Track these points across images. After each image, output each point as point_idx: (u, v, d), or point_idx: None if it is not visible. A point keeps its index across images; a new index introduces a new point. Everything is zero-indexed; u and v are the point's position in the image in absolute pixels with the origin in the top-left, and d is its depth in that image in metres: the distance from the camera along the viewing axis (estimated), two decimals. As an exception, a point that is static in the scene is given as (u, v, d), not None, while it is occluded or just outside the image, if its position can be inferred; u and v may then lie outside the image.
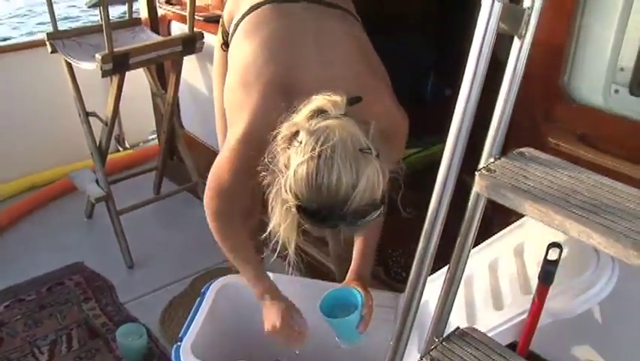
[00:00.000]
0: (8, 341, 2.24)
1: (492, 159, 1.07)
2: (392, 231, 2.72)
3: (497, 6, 0.91)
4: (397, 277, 2.50)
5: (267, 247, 1.44)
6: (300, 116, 1.22)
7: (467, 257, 1.13)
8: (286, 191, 1.20)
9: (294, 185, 1.18)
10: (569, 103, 1.46)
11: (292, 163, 1.18)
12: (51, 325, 2.32)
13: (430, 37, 3.54)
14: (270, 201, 1.28)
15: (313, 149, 1.15)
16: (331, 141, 1.15)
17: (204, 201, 1.59)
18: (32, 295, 2.47)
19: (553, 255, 1.23)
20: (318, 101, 1.22)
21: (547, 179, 1.01)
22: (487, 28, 0.91)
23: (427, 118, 3.40)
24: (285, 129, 1.22)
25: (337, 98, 1.22)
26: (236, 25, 1.62)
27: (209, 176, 1.55)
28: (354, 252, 1.72)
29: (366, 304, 1.54)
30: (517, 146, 1.44)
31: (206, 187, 1.57)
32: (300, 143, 1.18)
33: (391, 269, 2.53)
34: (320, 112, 1.21)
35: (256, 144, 1.32)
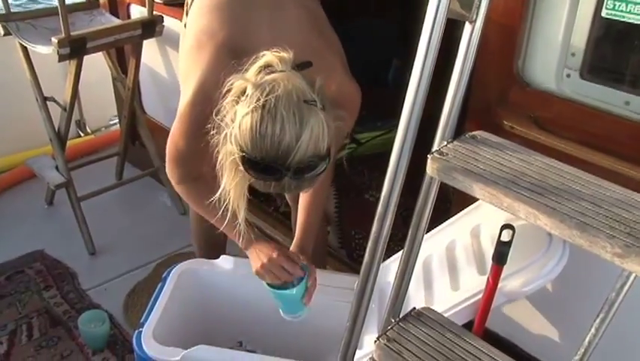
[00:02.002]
0: (-34, 331, 2.20)
1: (444, 142, 1.09)
2: (355, 213, 2.76)
3: (447, -9, 0.92)
4: (360, 260, 2.51)
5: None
6: (249, 73, 1.24)
7: (422, 239, 1.15)
8: (231, 143, 1.21)
9: (239, 136, 1.19)
10: (523, 87, 1.49)
11: (238, 116, 1.20)
12: (10, 314, 2.28)
13: (393, 22, 3.55)
14: (219, 160, 1.28)
15: (258, 100, 1.16)
16: (276, 92, 1.16)
17: (167, 173, 1.62)
18: (-9, 284, 2.43)
19: (506, 236, 1.26)
20: (266, 57, 1.24)
21: (497, 161, 1.03)
22: (436, 13, 0.92)
23: (390, 101, 3.42)
24: (233, 86, 1.24)
25: (284, 54, 1.24)
26: None
27: (167, 148, 1.56)
28: (297, 225, 1.74)
29: (310, 276, 1.60)
30: (473, 129, 1.47)
31: (166, 159, 1.58)
32: (247, 96, 1.19)
33: (354, 252, 2.56)
34: (267, 67, 1.23)
35: (205, 105, 1.32)
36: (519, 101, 1.50)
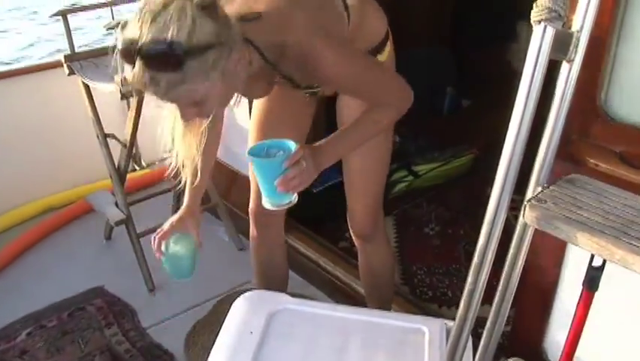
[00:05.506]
0: (31, 369, 2.20)
1: (540, 188, 1.02)
2: (415, 248, 2.69)
3: (550, 32, 0.87)
4: (423, 296, 2.46)
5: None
6: None
7: (514, 289, 1.08)
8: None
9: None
10: (606, 121, 1.42)
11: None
12: (73, 351, 2.28)
13: (448, 50, 3.50)
14: None
15: None
16: None
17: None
18: (53, 321, 2.43)
19: (597, 260, 1.17)
20: None
21: (601, 208, 0.97)
22: (538, 54, 0.87)
23: (446, 131, 3.37)
24: None
25: None
26: None
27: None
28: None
29: (293, 156, 1.36)
30: (554, 167, 1.40)
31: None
32: None
33: (417, 288, 2.49)
34: None
35: None
36: (603, 137, 1.43)
